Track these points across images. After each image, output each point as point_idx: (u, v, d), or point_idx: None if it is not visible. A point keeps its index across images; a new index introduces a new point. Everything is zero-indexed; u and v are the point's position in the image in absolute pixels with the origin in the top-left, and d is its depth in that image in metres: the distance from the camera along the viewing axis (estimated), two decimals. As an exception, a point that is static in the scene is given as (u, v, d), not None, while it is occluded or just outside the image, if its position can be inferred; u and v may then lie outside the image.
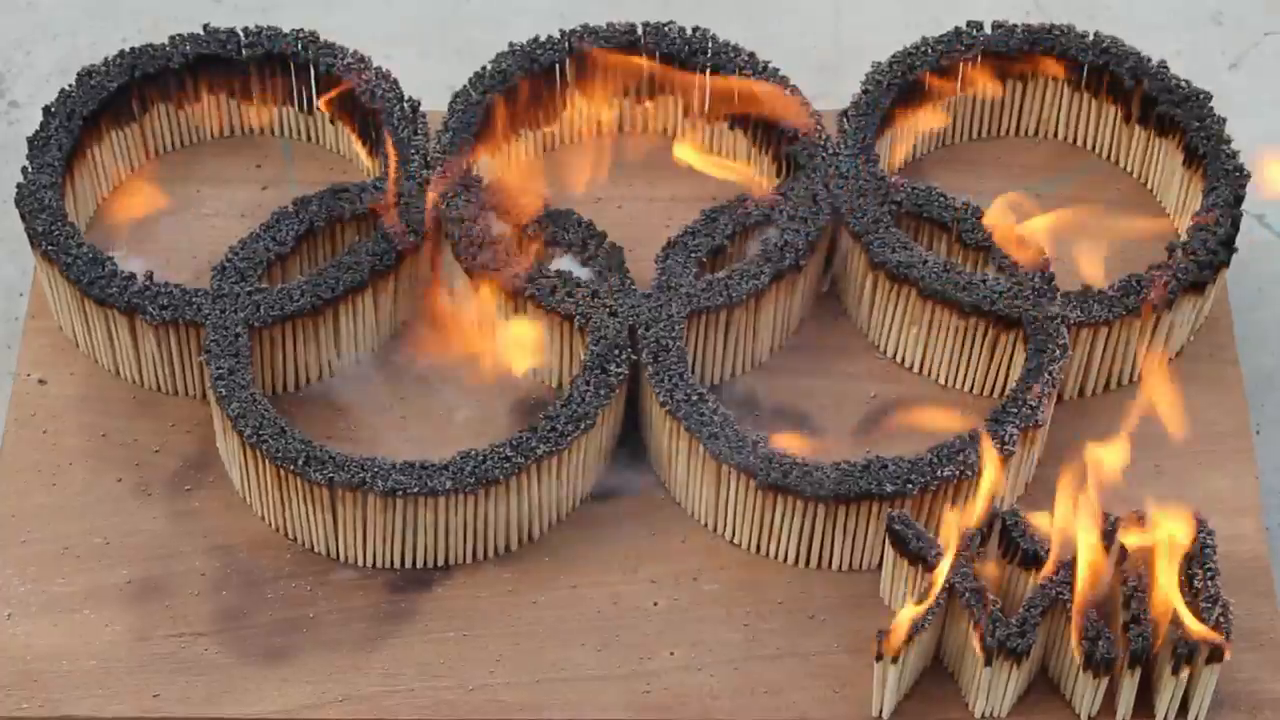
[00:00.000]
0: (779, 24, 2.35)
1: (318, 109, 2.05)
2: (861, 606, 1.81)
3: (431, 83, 2.12)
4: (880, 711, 1.74)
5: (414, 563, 1.83)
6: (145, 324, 1.88)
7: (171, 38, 2.06)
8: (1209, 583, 1.71)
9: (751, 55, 2.06)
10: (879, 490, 1.78)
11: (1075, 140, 2.12)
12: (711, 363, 1.94)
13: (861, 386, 1.95)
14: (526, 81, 2.03)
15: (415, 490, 1.77)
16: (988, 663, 1.69)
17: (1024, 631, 1.69)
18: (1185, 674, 1.69)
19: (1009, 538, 1.74)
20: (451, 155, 1.97)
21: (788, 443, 1.83)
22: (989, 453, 1.78)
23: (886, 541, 1.77)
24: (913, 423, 1.88)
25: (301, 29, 2.06)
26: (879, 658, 1.70)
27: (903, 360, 1.97)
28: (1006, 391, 1.90)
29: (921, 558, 1.73)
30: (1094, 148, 2.11)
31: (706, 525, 1.86)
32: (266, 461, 1.80)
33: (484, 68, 2.05)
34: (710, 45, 2.05)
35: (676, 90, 2.07)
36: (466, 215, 1.93)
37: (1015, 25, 2.08)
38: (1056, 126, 2.12)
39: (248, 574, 1.82)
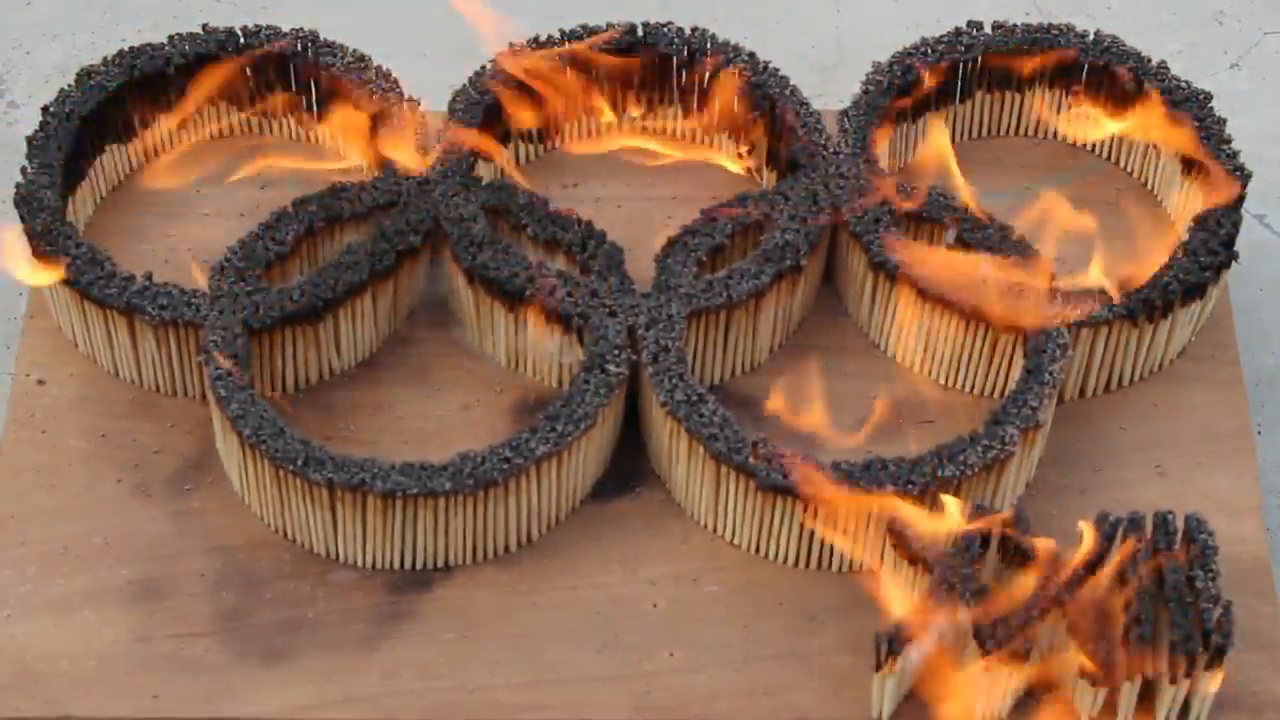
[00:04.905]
0: (779, 24, 2.35)
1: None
2: (861, 607, 1.80)
3: (431, 83, 2.12)
4: (880, 713, 1.74)
5: (414, 563, 1.83)
6: (144, 324, 1.88)
7: (170, 37, 2.06)
8: (1210, 584, 1.71)
9: (752, 55, 2.06)
10: (879, 490, 1.78)
11: (1075, 140, 2.12)
12: (711, 363, 1.94)
13: (861, 386, 1.95)
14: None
15: (414, 491, 1.77)
16: (988, 667, 1.70)
17: (1025, 625, 1.69)
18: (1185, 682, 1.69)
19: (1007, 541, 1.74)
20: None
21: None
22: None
23: (887, 542, 1.77)
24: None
25: (301, 28, 2.06)
26: (879, 667, 1.70)
27: (903, 360, 1.96)
28: (1006, 392, 1.90)
29: (922, 558, 1.73)
30: (1094, 148, 2.11)
31: (706, 526, 1.86)
32: (266, 462, 1.79)
33: (484, 67, 2.05)
34: (710, 45, 2.05)
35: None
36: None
37: (1015, 25, 2.08)
38: (1056, 126, 2.12)
39: (247, 574, 1.82)
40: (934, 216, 1.96)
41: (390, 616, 1.80)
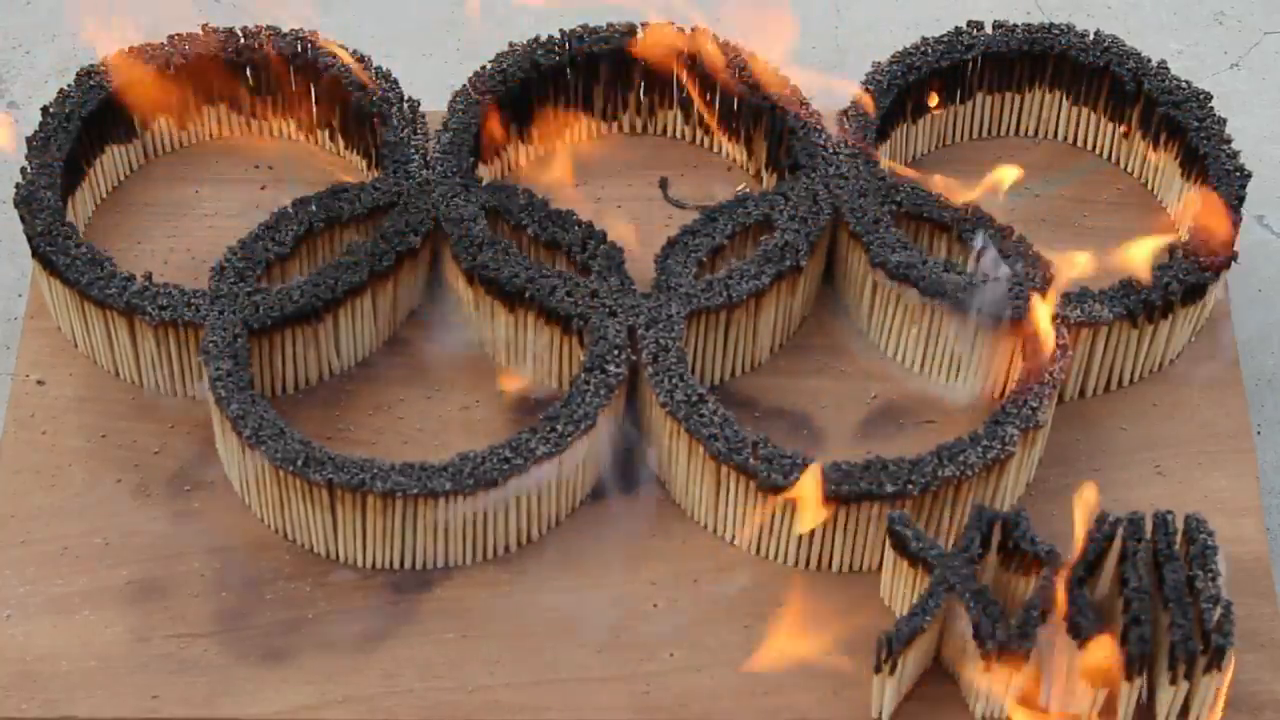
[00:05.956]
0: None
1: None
2: (861, 607, 1.81)
3: (431, 83, 2.11)
4: (880, 714, 1.74)
5: (413, 563, 1.83)
6: (144, 324, 1.88)
7: (170, 37, 2.06)
8: (1210, 584, 1.71)
9: (752, 55, 2.05)
10: (879, 490, 1.78)
11: (1075, 140, 2.12)
12: (711, 363, 1.94)
13: (861, 386, 1.95)
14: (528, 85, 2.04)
15: (414, 491, 1.77)
16: (987, 668, 1.69)
17: (1025, 633, 1.69)
18: (1184, 682, 1.69)
19: (1011, 540, 1.74)
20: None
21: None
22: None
23: (887, 542, 1.77)
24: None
25: (301, 29, 2.06)
26: (878, 669, 1.70)
27: (903, 360, 1.96)
28: (1006, 392, 1.90)
29: (922, 558, 1.73)
30: (1094, 148, 2.11)
31: (706, 526, 1.86)
32: (266, 462, 1.79)
33: (484, 67, 2.05)
34: (710, 45, 2.05)
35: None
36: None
37: (1015, 25, 2.08)
38: (1056, 127, 2.12)
39: (247, 575, 1.82)
40: (933, 216, 1.96)
41: (390, 616, 1.80)
